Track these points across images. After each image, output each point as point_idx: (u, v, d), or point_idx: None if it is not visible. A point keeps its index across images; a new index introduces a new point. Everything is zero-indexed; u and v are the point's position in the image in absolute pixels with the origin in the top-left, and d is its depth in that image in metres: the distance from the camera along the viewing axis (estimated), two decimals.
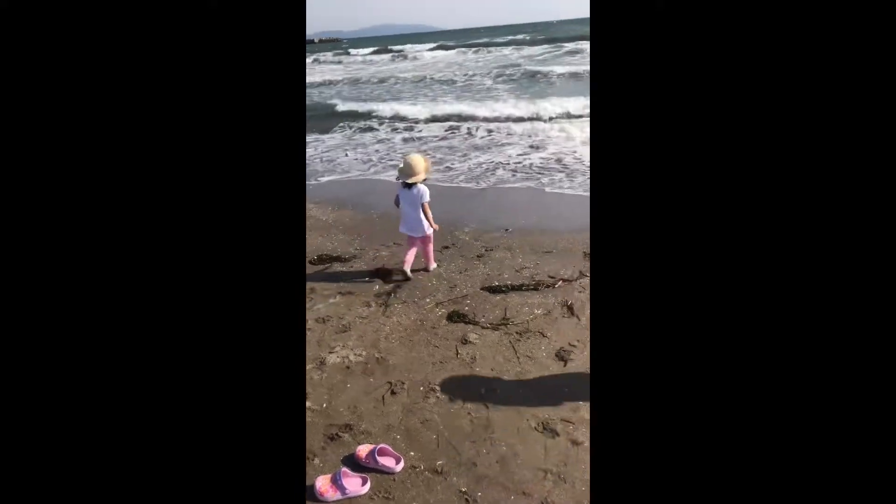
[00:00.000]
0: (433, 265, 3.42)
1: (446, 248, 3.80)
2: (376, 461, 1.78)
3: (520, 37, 35.07)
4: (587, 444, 1.87)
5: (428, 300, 3.07)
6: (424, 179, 3.19)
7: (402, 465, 1.80)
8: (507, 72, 16.50)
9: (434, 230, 3.29)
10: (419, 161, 3.16)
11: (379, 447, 1.82)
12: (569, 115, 8.70)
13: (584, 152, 6.47)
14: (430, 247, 3.38)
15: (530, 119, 8.76)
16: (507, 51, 26.96)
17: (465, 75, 16.73)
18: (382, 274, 3.44)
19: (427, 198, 3.19)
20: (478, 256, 3.65)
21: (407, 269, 3.30)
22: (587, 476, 1.73)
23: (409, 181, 3.14)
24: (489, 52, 27.46)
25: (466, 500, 1.66)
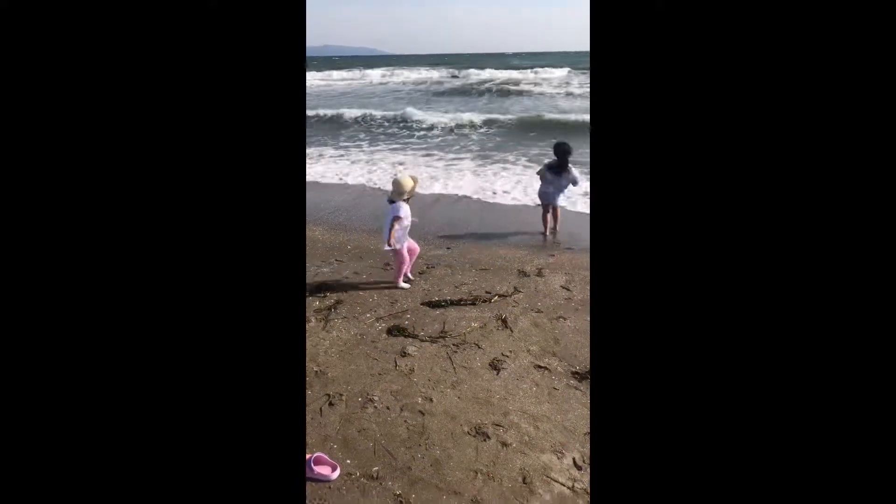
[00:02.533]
0: (401, 282, 3.53)
1: (388, 265, 3.88)
2: (312, 470, 1.80)
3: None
4: (515, 444, 2.00)
5: (368, 315, 3.12)
6: (408, 199, 3.35)
7: (337, 472, 1.83)
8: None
9: (388, 247, 3.34)
10: (406, 181, 3.34)
11: (315, 456, 1.84)
12: None
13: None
14: (403, 266, 3.50)
15: None
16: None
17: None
18: (324, 291, 3.45)
19: (397, 213, 3.28)
20: (419, 273, 3.75)
21: (400, 281, 3.54)
22: (514, 474, 1.85)
23: (393, 199, 3.34)
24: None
25: (401, 502, 1.73)
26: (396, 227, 3.29)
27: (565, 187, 4.67)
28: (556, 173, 4.57)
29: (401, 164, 8.12)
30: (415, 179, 3.42)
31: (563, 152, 4.57)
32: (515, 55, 77.68)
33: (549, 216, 4.74)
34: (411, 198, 3.38)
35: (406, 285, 3.54)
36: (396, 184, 3.37)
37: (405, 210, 3.33)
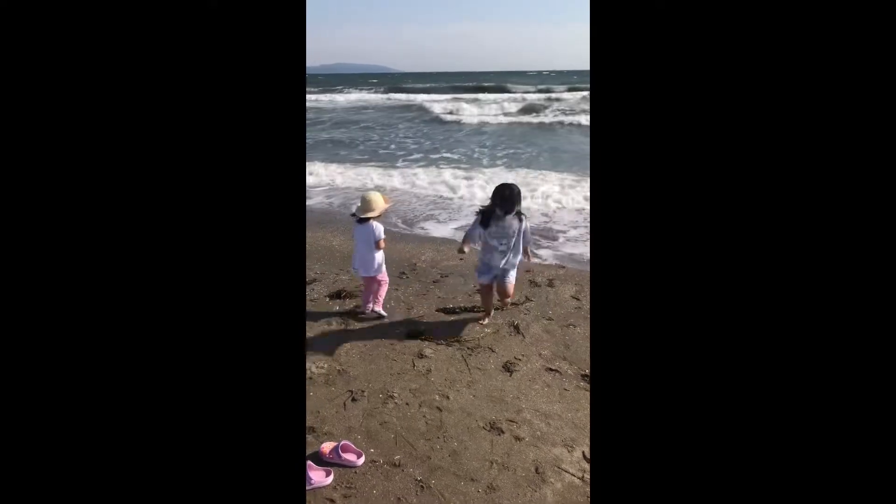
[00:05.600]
0: (380, 310, 3.29)
1: (403, 273, 4.04)
2: (339, 456, 1.94)
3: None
4: (528, 439, 2.12)
5: (387, 320, 3.27)
6: (379, 216, 3.11)
7: (363, 459, 1.96)
8: None
9: (375, 273, 3.17)
10: (377, 198, 3.10)
11: (342, 444, 1.98)
12: None
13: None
14: (383, 290, 3.28)
15: None
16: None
17: None
18: (343, 296, 3.62)
19: (381, 235, 3.09)
20: (434, 282, 3.91)
21: (370, 308, 3.29)
22: (527, 464, 1.98)
23: (364, 216, 3.05)
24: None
25: (422, 486, 1.86)
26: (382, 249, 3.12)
27: (513, 249, 2.95)
28: (497, 225, 2.92)
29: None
30: (386, 199, 3.14)
31: (504, 198, 2.86)
32: (538, 74, 75.27)
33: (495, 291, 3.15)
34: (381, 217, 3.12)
35: (384, 312, 3.31)
36: (367, 201, 3.06)
37: (381, 231, 3.10)
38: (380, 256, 3.16)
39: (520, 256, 3.05)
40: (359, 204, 3.13)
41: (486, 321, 3.20)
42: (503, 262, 2.97)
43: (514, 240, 2.95)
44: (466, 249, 2.98)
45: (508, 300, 3.24)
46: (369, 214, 3.06)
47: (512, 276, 3.05)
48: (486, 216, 2.93)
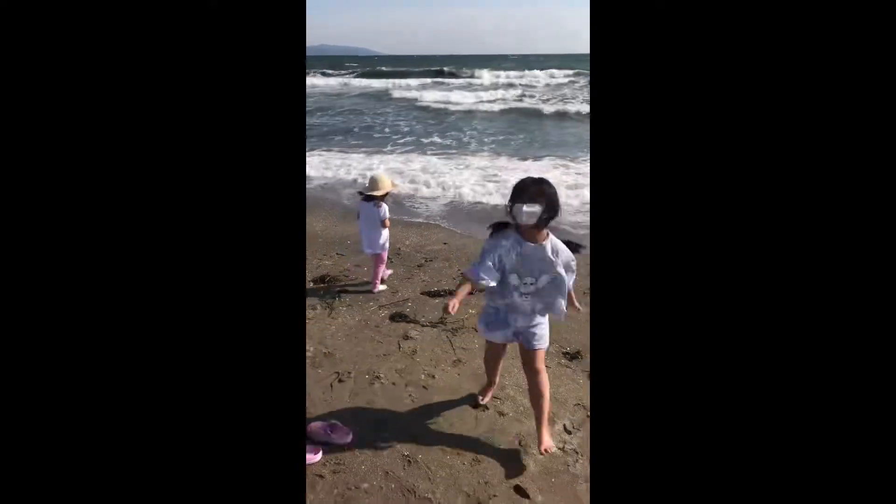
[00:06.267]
0: (379, 287, 3.48)
1: (388, 259, 4.06)
2: (328, 435, 1.98)
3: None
4: (511, 414, 2.20)
5: (371, 304, 3.30)
6: (385, 195, 3.29)
7: (351, 437, 2.01)
8: None
9: (378, 251, 3.39)
10: (384, 178, 3.32)
11: (330, 423, 2.02)
12: None
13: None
14: (381, 268, 3.48)
15: None
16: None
17: None
18: (327, 281, 3.63)
19: (387, 215, 3.33)
20: (418, 266, 3.94)
21: (378, 285, 3.49)
22: (510, 438, 2.05)
23: (370, 193, 3.25)
24: None
25: (409, 461, 1.91)
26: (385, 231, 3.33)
27: (543, 292, 1.78)
28: (517, 251, 1.72)
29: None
30: (393, 183, 3.39)
31: (520, 190, 1.67)
32: (524, 58, 73.98)
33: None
34: (386, 196, 3.32)
35: (384, 287, 3.52)
36: (375, 181, 3.28)
37: (386, 211, 3.33)
38: (385, 234, 3.37)
39: (557, 306, 1.79)
40: (366, 183, 3.37)
41: (488, 398, 2.16)
42: (528, 311, 1.81)
43: (545, 278, 1.73)
44: (454, 307, 1.63)
45: (545, 388, 1.86)
46: (375, 193, 3.25)
47: (543, 336, 1.86)
48: (501, 231, 1.74)
